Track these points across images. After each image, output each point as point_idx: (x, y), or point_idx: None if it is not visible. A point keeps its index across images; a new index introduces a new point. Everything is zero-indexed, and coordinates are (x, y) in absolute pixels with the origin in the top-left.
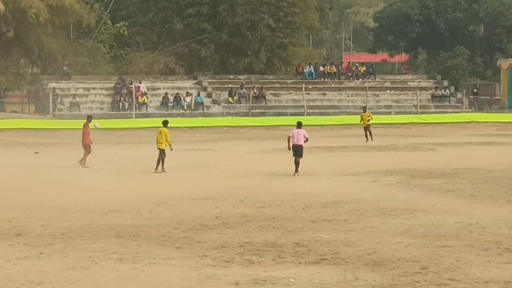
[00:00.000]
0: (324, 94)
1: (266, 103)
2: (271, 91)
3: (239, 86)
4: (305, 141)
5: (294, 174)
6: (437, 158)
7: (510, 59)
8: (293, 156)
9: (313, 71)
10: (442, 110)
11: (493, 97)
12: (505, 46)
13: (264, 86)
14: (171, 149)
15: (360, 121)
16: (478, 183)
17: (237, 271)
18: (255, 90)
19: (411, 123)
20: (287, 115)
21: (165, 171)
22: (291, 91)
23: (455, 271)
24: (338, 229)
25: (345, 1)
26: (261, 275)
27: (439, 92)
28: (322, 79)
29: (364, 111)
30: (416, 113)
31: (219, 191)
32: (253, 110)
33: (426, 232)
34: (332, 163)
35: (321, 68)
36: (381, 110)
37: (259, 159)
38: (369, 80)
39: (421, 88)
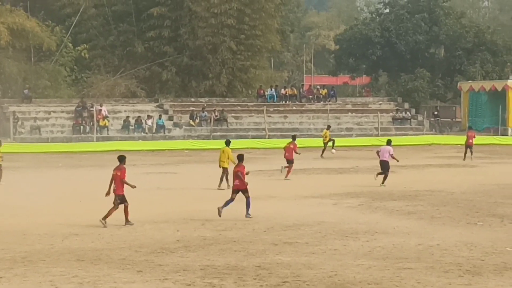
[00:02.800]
0: (286, 117)
1: (227, 126)
2: (233, 114)
3: (200, 109)
4: (391, 156)
5: (381, 186)
6: (398, 181)
7: (470, 81)
8: (380, 170)
9: (274, 93)
10: (403, 132)
11: (453, 119)
12: (465, 68)
13: (225, 108)
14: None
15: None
16: (439, 205)
17: None
18: (216, 113)
19: (372, 145)
20: (248, 138)
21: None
22: (253, 114)
23: None
24: (300, 252)
25: (306, 23)
26: None
27: (400, 115)
28: (284, 102)
29: (328, 128)
30: (377, 135)
31: (180, 214)
32: (215, 133)
33: (387, 254)
34: (294, 185)
35: (283, 91)
36: (342, 132)
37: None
38: (330, 102)
39: (382, 111)
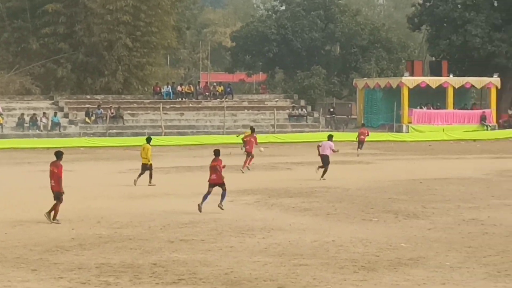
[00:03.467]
0: (182, 114)
1: (123, 123)
2: (129, 111)
3: (96, 106)
4: (332, 152)
5: (320, 179)
6: (294, 177)
7: (365, 78)
8: (321, 164)
9: (170, 90)
10: (299, 129)
11: (349, 116)
12: (361, 65)
13: (121, 106)
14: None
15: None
16: (334, 202)
17: None
18: (112, 110)
19: (269, 142)
20: (144, 135)
21: (154, 185)
22: (149, 111)
23: None
24: (196, 249)
25: (202, 20)
26: None
27: (296, 112)
28: (180, 99)
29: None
30: (273, 132)
31: (75, 212)
32: (111, 130)
33: (283, 251)
34: (190, 183)
35: (179, 88)
36: (238, 129)
37: (117, 179)
38: (226, 99)
39: (278, 108)
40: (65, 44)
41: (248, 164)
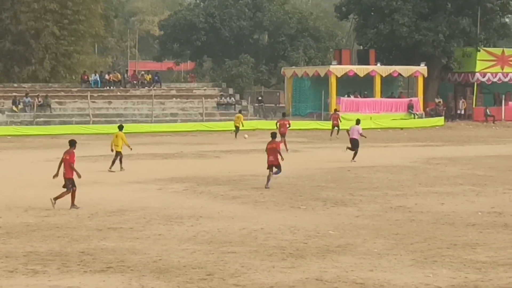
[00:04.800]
0: (110, 102)
1: (51, 112)
2: (56, 100)
3: (23, 94)
4: (360, 134)
5: (352, 161)
6: (222, 165)
7: (293, 67)
8: (350, 147)
9: (98, 79)
10: (227, 117)
11: (277, 105)
12: (289, 54)
13: (49, 94)
14: (131, 149)
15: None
16: (263, 190)
17: (21, 281)
18: (39, 99)
19: (197, 130)
20: (72, 124)
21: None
22: (76, 100)
23: (240, 277)
24: (124, 237)
25: (130, 9)
26: (46, 284)
27: (224, 100)
28: (108, 87)
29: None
30: (202, 120)
31: (2, 201)
32: (38, 119)
33: (212, 238)
34: (118, 171)
35: (107, 76)
36: (167, 118)
37: (44, 168)
38: (155, 88)
39: (207, 96)
40: None
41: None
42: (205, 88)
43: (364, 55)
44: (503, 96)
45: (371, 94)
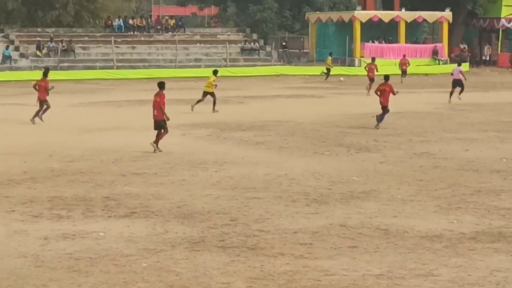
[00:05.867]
0: (134, 48)
1: (75, 57)
2: (80, 45)
3: (47, 39)
4: (461, 75)
5: (450, 100)
6: (246, 111)
7: (318, 12)
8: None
9: (122, 24)
10: (251, 63)
11: (301, 50)
12: None
13: (72, 39)
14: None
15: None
16: (287, 136)
17: (45, 226)
18: (63, 44)
19: (221, 76)
20: (96, 69)
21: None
22: (100, 45)
23: (264, 222)
24: (148, 183)
25: None
26: (70, 229)
27: (248, 45)
28: (132, 32)
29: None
30: (225, 66)
31: (27, 146)
32: (62, 64)
33: (236, 184)
34: (142, 116)
35: (130, 21)
36: (191, 63)
37: (69, 113)
38: (178, 33)
39: (231, 41)
40: None
41: (370, 88)
42: (229, 33)
43: (388, 1)
44: None
45: (395, 40)
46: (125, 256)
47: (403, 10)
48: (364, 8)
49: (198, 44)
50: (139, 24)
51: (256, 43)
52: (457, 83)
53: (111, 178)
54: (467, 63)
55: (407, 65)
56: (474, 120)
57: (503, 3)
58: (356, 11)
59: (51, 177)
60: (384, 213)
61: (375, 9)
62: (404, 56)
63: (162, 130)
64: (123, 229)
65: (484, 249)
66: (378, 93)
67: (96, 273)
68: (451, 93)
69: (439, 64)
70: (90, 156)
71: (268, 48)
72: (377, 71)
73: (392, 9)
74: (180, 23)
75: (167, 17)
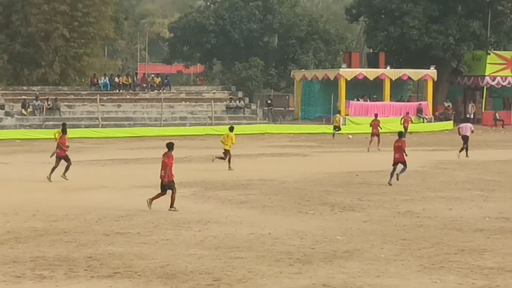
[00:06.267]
0: (119, 106)
1: (60, 115)
2: (66, 103)
3: (33, 97)
4: (471, 132)
5: (459, 156)
6: (231, 170)
7: (303, 70)
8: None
9: (108, 82)
10: (236, 121)
11: (286, 108)
12: (299, 57)
13: (58, 97)
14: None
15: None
16: (271, 194)
17: (28, 287)
18: (49, 102)
19: (206, 134)
20: (81, 127)
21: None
22: (86, 103)
23: (247, 282)
24: (132, 242)
25: (140, 11)
26: None
27: (233, 103)
28: (117, 90)
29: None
30: (211, 124)
31: (10, 205)
32: (47, 122)
33: (219, 243)
34: (127, 175)
35: (116, 79)
36: (176, 121)
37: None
38: (164, 91)
39: (216, 99)
40: (1, 34)
41: (378, 144)
42: (214, 91)
43: (374, 58)
44: None
45: (380, 98)
46: None
47: (388, 68)
48: (349, 66)
49: (183, 102)
50: (125, 82)
51: (242, 101)
52: (465, 139)
53: (95, 238)
54: (451, 121)
55: (410, 122)
56: (458, 179)
57: (488, 61)
58: (341, 69)
59: (34, 237)
60: (367, 272)
61: (360, 67)
62: (407, 113)
63: (171, 191)
64: None
65: None
66: (394, 150)
67: None
68: (461, 149)
69: (423, 122)
70: (74, 216)
71: (253, 106)
72: (380, 128)
73: (377, 67)
74: (166, 81)
75: (152, 75)
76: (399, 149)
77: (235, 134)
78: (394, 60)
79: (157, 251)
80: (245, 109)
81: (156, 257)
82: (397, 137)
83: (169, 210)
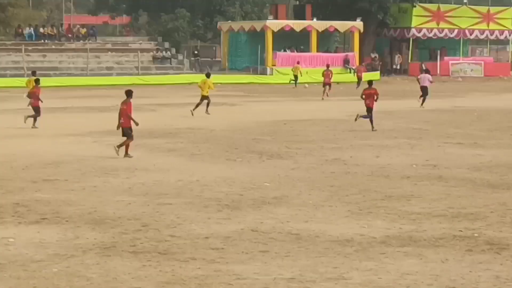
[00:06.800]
0: (45, 56)
1: None
2: None
3: None
4: (430, 83)
5: (420, 107)
6: (158, 119)
7: (230, 21)
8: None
9: (33, 32)
10: (163, 71)
11: (213, 59)
12: (225, 8)
13: None
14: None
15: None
16: (199, 143)
17: None
18: None
19: (133, 84)
20: (7, 77)
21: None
22: (11, 53)
23: (175, 228)
24: (59, 189)
25: None
26: None
27: (160, 54)
28: (43, 41)
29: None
30: (137, 74)
31: None
32: None
33: (147, 190)
34: (54, 124)
35: (41, 30)
36: (102, 71)
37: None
38: (90, 41)
39: (143, 50)
40: None
41: (326, 93)
42: (140, 42)
43: (300, 10)
44: (438, 51)
45: (307, 49)
46: (35, 261)
47: (315, 19)
48: (276, 18)
49: (109, 53)
50: (50, 32)
51: (168, 52)
52: (424, 90)
53: (21, 185)
54: (378, 72)
55: (330, 77)
56: (385, 127)
57: (413, 13)
58: (268, 21)
59: None
60: (295, 218)
61: (287, 19)
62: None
63: (127, 137)
64: (34, 235)
65: (394, 253)
66: (364, 96)
67: (6, 279)
68: (421, 98)
69: (350, 72)
70: (0, 163)
71: (180, 57)
72: (331, 76)
73: (304, 19)
74: (92, 31)
75: (78, 26)
76: (369, 96)
77: (214, 83)
78: (320, 12)
79: (85, 197)
80: (172, 59)
81: (84, 204)
82: (367, 85)
83: (124, 157)
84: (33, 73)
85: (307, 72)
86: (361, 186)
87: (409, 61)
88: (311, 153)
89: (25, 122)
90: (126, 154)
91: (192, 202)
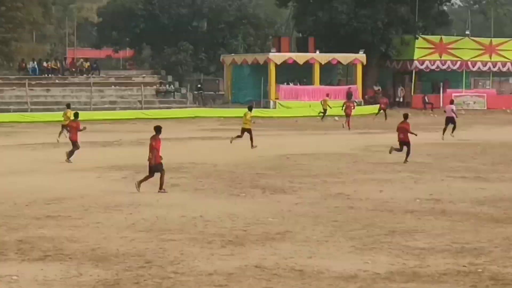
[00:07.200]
0: (48, 90)
1: None
2: None
3: None
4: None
5: (443, 137)
6: (162, 153)
7: (233, 54)
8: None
9: (36, 67)
10: (166, 105)
11: (216, 92)
12: (228, 41)
13: None
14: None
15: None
16: (202, 177)
17: None
18: None
19: (136, 118)
20: (10, 112)
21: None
22: (14, 87)
23: (179, 264)
24: (62, 226)
25: None
26: None
27: (163, 88)
28: (46, 75)
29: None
30: (141, 108)
31: None
32: None
33: (151, 226)
34: (57, 159)
35: (45, 64)
36: (106, 105)
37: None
38: (93, 75)
39: (146, 84)
40: None
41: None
42: (144, 75)
43: (303, 43)
44: (441, 83)
45: (310, 82)
46: None
47: (318, 52)
48: (278, 50)
49: (113, 87)
50: (54, 66)
51: (171, 85)
52: (449, 120)
53: (25, 222)
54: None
55: (353, 108)
56: (388, 161)
57: (416, 45)
58: (270, 53)
59: None
60: (299, 254)
61: (290, 51)
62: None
63: (160, 173)
64: (37, 272)
65: None
66: (398, 131)
67: None
68: (444, 130)
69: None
70: (4, 199)
71: (183, 90)
72: (354, 108)
73: (307, 51)
74: (95, 65)
75: (81, 60)
76: (402, 130)
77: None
78: (323, 45)
79: (88, 234)
80: (175, 93)
81: (87, 240)
82: (402, 119)
83: (159, 192)
84: (68, 106)
85: (310, 105)
86: (365, 221)
87: (412, 93)
88: (315, 188)
89: (67, 160)
90: (161, 189)
91: (196, 238)
